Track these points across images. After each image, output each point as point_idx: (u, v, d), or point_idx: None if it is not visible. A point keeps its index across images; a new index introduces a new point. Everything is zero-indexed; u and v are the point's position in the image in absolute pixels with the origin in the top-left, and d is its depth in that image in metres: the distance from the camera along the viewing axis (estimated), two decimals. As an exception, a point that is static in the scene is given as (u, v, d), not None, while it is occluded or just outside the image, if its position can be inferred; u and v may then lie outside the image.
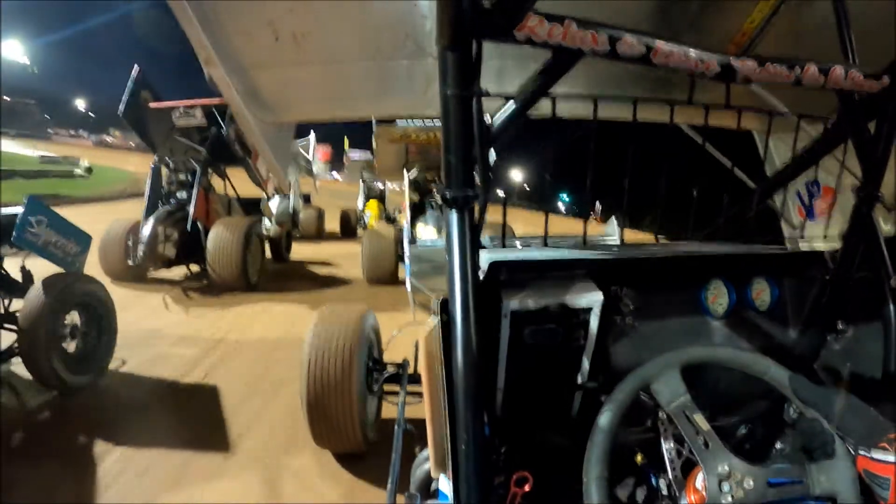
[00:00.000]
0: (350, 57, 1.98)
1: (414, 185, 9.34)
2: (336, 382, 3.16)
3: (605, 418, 1.25)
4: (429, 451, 1.45)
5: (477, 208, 1.25)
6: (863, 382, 1.60)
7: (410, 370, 3.41)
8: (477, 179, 1.23)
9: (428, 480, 1.85)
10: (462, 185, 1.20)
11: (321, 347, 3.23)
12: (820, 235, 1.82)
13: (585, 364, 1.50)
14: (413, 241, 8.38)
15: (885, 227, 1.83)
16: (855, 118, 1.58)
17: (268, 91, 2.09)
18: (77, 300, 4.07)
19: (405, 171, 9.09)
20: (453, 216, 1.22)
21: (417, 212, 9.00)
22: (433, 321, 1.28)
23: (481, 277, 1.33)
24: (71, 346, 4.03)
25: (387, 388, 3.68)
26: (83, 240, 4.24)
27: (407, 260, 3.21)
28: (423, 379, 1.39)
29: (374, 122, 6.68)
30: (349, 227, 16.59)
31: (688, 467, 1.28)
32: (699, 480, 1.25)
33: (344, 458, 3.70)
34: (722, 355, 1.38)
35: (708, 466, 1.20)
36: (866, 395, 1.37)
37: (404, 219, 9.23)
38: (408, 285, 3.03)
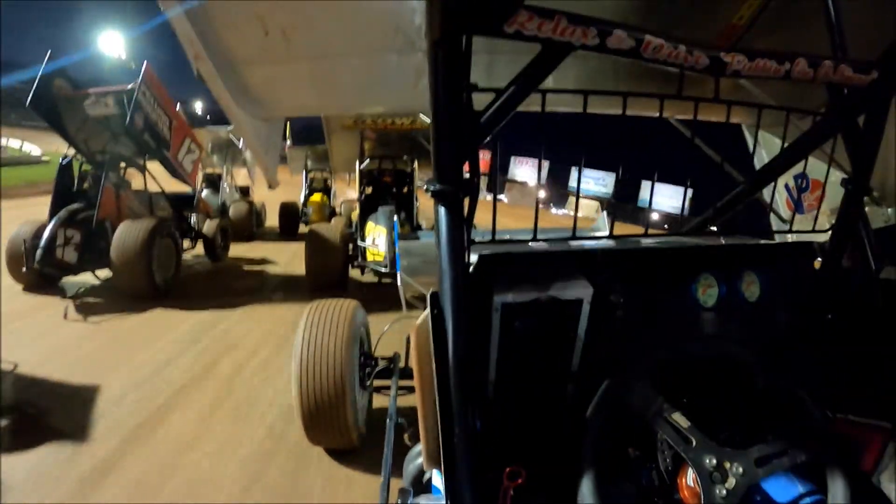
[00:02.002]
0: (339, 52, 1.97)
1: (367, 177, 8.70)
2: (328, 379, 3.14)
3: (593, 424, 1.26)
4: (421, 446, 1.45)
5: (467, 202, 1.25)
6: (851, 370, 1.61)
7: (402, 364, 3.41)
8: (466, 174, 1.23)
9: (420, 475, 1.86)
10: (451, 179, 1.21)
11: (312, 344, 3.21)
12: (808, 228, 1.83)
13: (576, 356, 1.51)
14: (363, 239, 7.78)
15: (873, 219, 1.85)
16: (844, 112, 1.59)
17: (257, 86, 2.08)
18: None
19: (357, 162, 8.44)
20: (443, 210, 1.22)
21: (369, 208, 8.31)
22: (424, 315, 1.29)
23: (471, 271, 1.34)
24: None
25: (378, 382, 3.67)
26: None
27: (397, 254, 3.20)
28: (415, 373, 1.39)
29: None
30: (290, 223, 14.28)
31: (679, 459, 1.30)
32: (689, 477, 1.27)
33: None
34: (689, 350, 1.39)
35: (696, 463, 1.22)
36: (855, 381, 1.39)
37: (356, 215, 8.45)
38: (399, 279, 3.02)
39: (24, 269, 6.54)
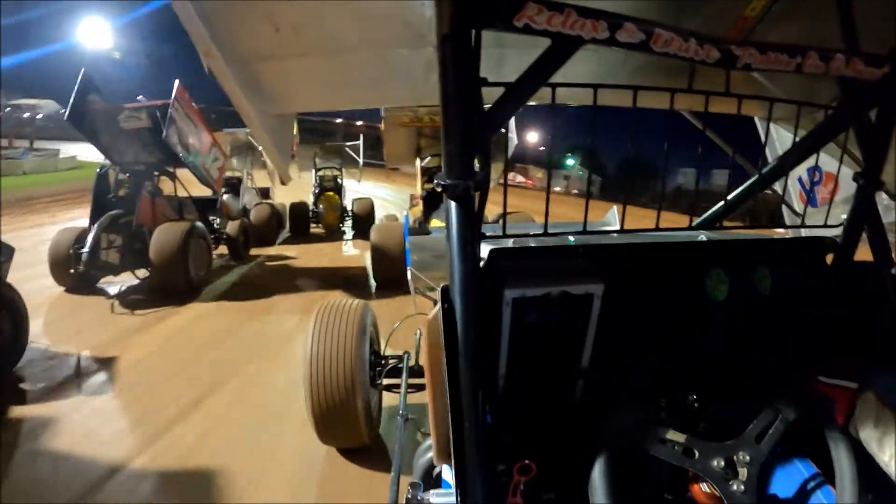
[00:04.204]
0: (350, 47, 1.97)
1: (426, 174, 8.92)
2: (339, 379, 3.16)
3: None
4: (431, 440, 1.46)
5: (477, 197, 1.26)
6: (864, 366, 1.60)
7: (412, 362, 3.43)
8: (477, 168, 1.23)
9: (431, 469, 1.87)
10: (462, 173, 1.21)
11: (322, 345, 3.23)
12: (821, 221, 1.82)
13: (587, 351, 1.51)
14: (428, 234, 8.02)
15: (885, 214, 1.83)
16: (856, 105, 1.57)
17: (268, 82, 2.09)
18: None
19: (418, 159, 8.74)
20: (453, 205, 1.22)
21: (432, 204, 8.44)
22: (434, 310, 1.29)
23: (482, 265, 1.34)
24: None
25: (388, 381, 3.69)
26: (6, 251, 4.87)
27: (407, 249, 3.20)
28: (425, 367, 1.40)
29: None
30: (302, 224, 13.84)
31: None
32: (704, 484, 1.28)
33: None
34: (666, 361, 1.40)
35: (706, 472, 1.23)
36: (867, 379, 1.39)
37: (416, 212, 8.64)
38: (408, 275, 3.02)
39: (71, 271, 7.19)
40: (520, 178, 41.68)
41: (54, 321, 6.52)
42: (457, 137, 1.20)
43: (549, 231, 1.56)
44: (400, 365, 3.48)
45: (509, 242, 1.56)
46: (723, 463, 1.22)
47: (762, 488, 1.25)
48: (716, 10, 1.78)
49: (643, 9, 1.37)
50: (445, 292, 1.24)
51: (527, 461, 1.37)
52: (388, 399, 3.91)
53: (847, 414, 1.47)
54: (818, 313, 1.69)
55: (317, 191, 14.47)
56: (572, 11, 1.13)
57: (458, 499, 1.17)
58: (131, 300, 7.42)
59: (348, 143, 15.31)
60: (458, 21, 1.12)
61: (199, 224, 8.51)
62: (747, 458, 1.23)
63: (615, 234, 1.78)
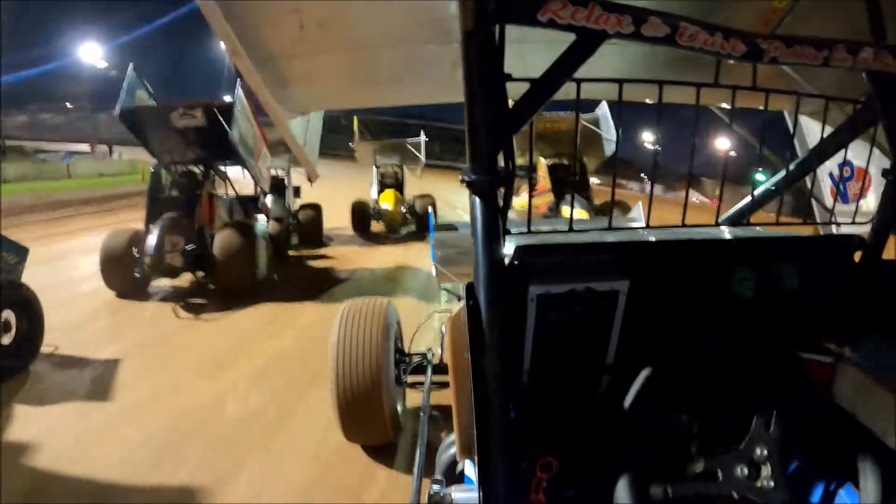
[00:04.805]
0: (375, 43, 1.99)
1: (554, 173, 9.44)
2: (365, 378, 3.18)
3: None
4: (454, 436, 1.46)
5: (502, 192, 1.26)
6: (840, 341, 1.58)
7: (435, 360, 3.43)
8: (501, 164, 1.23)
9: (453, 465, 1.87)
10: (486, 169, 1.21)
11: (348, 344, 3.26)
12: (852, 218, 1.78)
13: (612, 348, 1.50)
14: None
15: None
16: (885, 99, 1.54)
17: (295, 80, 2.12)
18: (12, 301, 4.80)
19: (541, 158, 9.19)
20: (478, 201, 1.23)
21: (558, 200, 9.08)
22: (459, 306, 1.30)
23: (507, 262, 1.34)
24: (5, 338, 4.73)
25: (412, 378, 3.70)
26: (21, 252, 5.07)
27: (432, 245, 3.21)
28: (449, 363, 1.40)
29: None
30: (363, 223, 13.35)
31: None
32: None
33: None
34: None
35: (733, 486, 1.23)
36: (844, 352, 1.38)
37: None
38: (433, 271, 3.03)
39: (135, 273, 7.03)
40: (697, 197, 36.60)
41: (128, 328, 6.23)
42: (481, 133, 1.20)
43: (575, 228, 1.55)
44: (424, 363, 3.50)
45: (535, 239, 1.56)
46: (745, 471, 1.22)
47: (787, 477, 1.23)
48: (743, 3, 1.75)
49: (668, 2, 1.36)
50: (470, 289, 1.24)
51: (549, 458, 1.37)
52: (414, 397, 3.94)
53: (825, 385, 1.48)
54: (846, 311, 1.66)
55: (378, 188, 14.00)
56: (596, 6, 1.12)
57: (481, 495, 1.17)
58: (190, 304, 7.24)
59: (409, 140, 14.82)
60: (482, 16, 1.12)
61: (262, 224, 8.53)
62: (764, 452, 1.22)
63: (641, 231, 1.77)
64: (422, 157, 14.63)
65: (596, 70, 1.24)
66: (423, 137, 14.52)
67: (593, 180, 11.37)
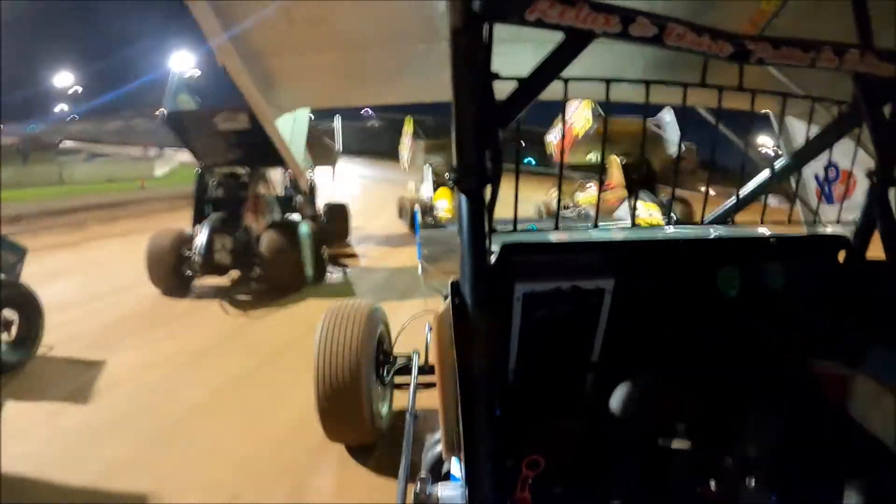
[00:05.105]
0: (364, 42, 1.98)
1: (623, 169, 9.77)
2: (344, 379, 3.18)
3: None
4: (440, 434, 1.46)
5: (489, 191, 1.26)
6: (879, 365, 1.59)
7: (422, 361, 3.43)
8: (488, 162, 1.23)
9: (439, 463, 1.86)
10: (474, 168, 1.21)
11: (329, 345, 3.27)
12: (838, 219, 1.80)
13: (597, 346, 1.50)
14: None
15: None
16: (870, 101, 1.55)
17: (283, 78, 2.10)
18: (12, 300, 4.97)
19: (614, 157, 9.46)
20: (464, 199, 1.22)
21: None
22: (445, 304, 1.29)
23: (493, 260, 1.34)
24: (5, 335, 4.92)
25: (400, 380, 3.69)
26: (18, 251, 5.22)
27: (418, 242, 3.21)
28: (435, 361, 1.40)
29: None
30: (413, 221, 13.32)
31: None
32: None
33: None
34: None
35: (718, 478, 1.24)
36: (884, 375, 1.38)
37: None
38: (419, 269, 3.02)
39: (187, 272, 7.28)
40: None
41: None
42: (468, 132, 1.20)
43: (561, 227, 1.55)
44: (410, 364, 3.50)
45: (521, 237, 1.56)
46: (732, 462, 1.23)
47: (773, 482, 1.25)
48: (732, 3, 1.76)
49: (657, 3, 1.37)
50: (456, 287, 1.24)
51: (535, 456, 1.37)
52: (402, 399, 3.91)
53: (840, 396, 1.47)
54: (829, 311, 1.67)
55: (433, 188, 13.98)
56: (585, 5, 1.12)
57: (467, 492, 1.18)
58: (237, 301, 7.38)
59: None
60: (470, 15, 1.12)
61: (309, 222, 8.58)
62: (754, 453, 1.23)
63: (627, 230, 1.77)
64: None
65: (585, 71, 1.25)
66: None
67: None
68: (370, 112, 43.34)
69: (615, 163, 9.84)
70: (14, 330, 4.98)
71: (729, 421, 1.34)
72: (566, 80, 1.31)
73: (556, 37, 1.19)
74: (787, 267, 1.65)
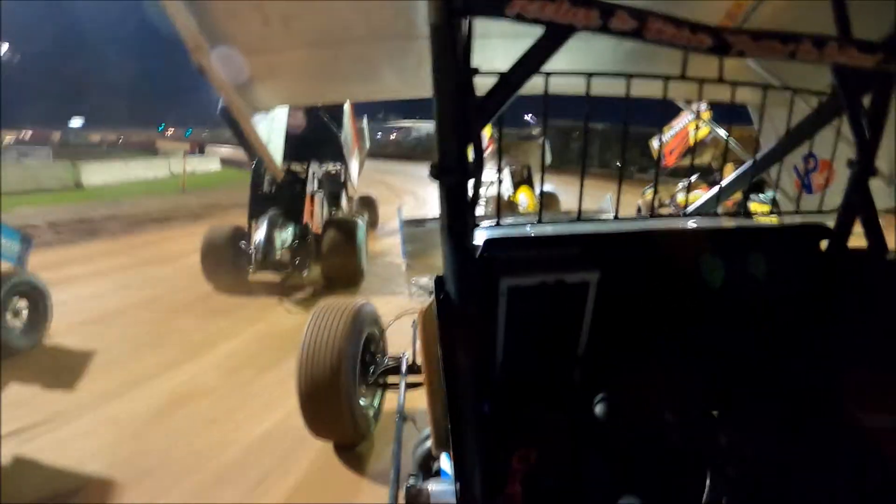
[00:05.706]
0: (340, 38, 1.96)
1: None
2: (325, 377, 3.20)
3: None
4: (429, 430, 1.45)
5: (471, 186, 1.25)
6: (858, 352, 1.60)
7: (410, 360, 3.43)
8: (470, 157, 1.22)
9: (429, 460, 1.86)
10: (455, 163, 1.20)
11: (313, 343, 3.28)
12: (818, 208, 1.81)
13: (583, 339, 1.51)
14: None
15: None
16: (849, 92, 1.56)
17: (259, 76, 2.07)
18: (20, 289, 5.36)
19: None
20: (447, 195, 1.21)
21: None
22: (430, 300, 1.29)
23: (477, 255, 1.34)
24: (15, 322, 5.33)
25: (393, 380, 3.68)
26: (25, 241, 5.57)
27: (402, 240, 3.20)
28: (422, 357, 1.39)
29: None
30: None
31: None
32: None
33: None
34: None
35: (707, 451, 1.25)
36: (863, 365, 1.39)
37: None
38: (403, 266, 3.02)
39: (249, 268, 7.30)
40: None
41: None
42: (449, 127, 1.19)
43: (544, 220, 1.55)
44: (396, 364, 3.49)
45: (504, 232, 1.55)
46: (725, 441, 1.23)
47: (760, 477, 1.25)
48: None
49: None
50: (440, 282, 1.24)
51: (525, 450, 1.37)
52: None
53: None
54: (813, 300, 1.69)
55: (512, 187, 14.19)
56: (565, 0, 1.11)
57: (458, 487, 1.17)
58: (295, 298, 7.48)
59: (537, 135, 14.99)
60: (450, 10, 1.10)
61: (361, 221, 8.71)
62: (741, 438, 1.24)
63: (610, 223, 1.77)
64: (548, 156, 15.14)
65: (566, 65, 1.24)
66: (544, 137, 15.01)
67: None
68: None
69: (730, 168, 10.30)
70: (24, 317, 5.38)
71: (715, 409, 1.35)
72: (547, 75, 1.30)
73: (534, 31, 1.18)
74: (769, 256, 1.66)
